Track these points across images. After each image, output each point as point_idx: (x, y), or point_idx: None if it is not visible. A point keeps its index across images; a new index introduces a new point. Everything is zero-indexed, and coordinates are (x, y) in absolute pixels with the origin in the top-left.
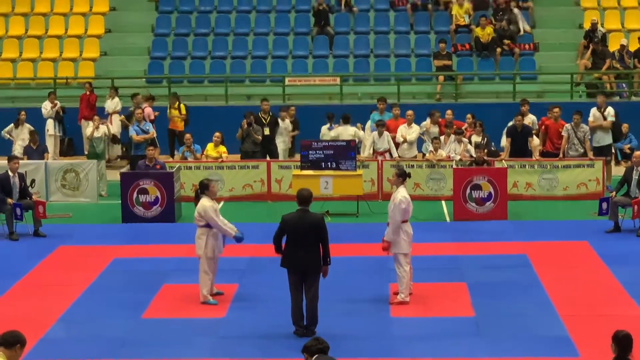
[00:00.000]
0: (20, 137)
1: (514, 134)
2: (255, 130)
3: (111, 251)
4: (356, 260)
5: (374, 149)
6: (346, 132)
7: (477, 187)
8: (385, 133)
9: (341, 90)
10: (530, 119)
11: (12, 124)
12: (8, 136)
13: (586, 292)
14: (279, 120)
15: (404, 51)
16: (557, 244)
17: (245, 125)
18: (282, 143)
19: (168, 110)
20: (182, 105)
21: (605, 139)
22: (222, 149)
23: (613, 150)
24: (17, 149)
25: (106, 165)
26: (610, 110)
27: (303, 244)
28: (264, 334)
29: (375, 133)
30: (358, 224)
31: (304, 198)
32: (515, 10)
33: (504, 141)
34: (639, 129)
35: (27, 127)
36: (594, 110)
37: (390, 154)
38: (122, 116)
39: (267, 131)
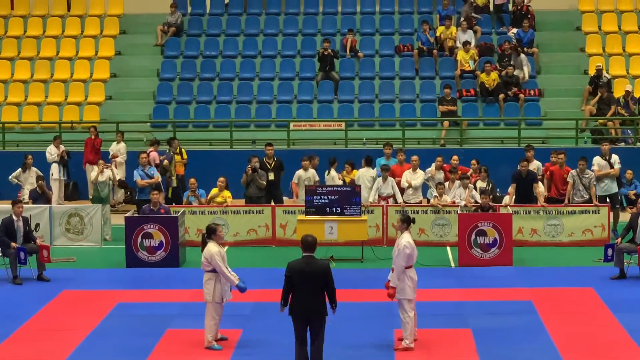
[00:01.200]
0: (29, 181)
1: (519, 179)
2: (260, 175)
3: (115, 296)
4: (361, 305)
5: (378, 194)
6: (368, 174)
7: (482, 233)
8: (390, 178)
9: (346, 135)
10: (535, 164)
11: (20, 169)
12: (16, 181)
13: (592, 339)
14: (302, 171)
15: (409, 96)
16: (562, 290)
17: (250, 171)
18: None
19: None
20: (183, 150)
21: (613, 186)
22: (227, 193)
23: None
24: (27, 194)
25: (110, 209)
26: (616, 158)
27: (309, 291)
28: None
29: (380, 178)
30: (363, 270)
31: (309, 244)
32: (522, 56)
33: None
34: None
35: (35, 171)
36: (597, 159)
37: (395, 199)
38: (166, 161)
39: (271, 176)
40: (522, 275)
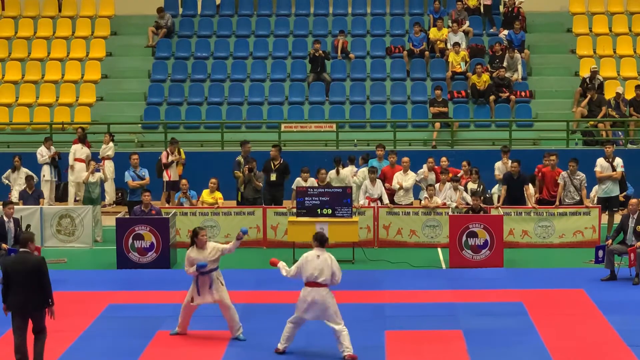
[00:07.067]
0: (18, 182)
1: (510, 181)
2: (257, 177)
3: (106, 297)
4: (351, 307)
5: (368, 196)
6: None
7: (473, 235)
8: (378, 180)
9: (337, 137)
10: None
11: (10, 170)
12: (7, 182)
13: (582, 340)
14: (302, 180)
15: (400, 98)
16: (553, 291)
17: (247, 171)
18: None
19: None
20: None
21: (614, 189)
22: (218, 194)
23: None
24: (15, 195)
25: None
26: (619, 161)
27: (25, 286)
28: None
29: (368, 181)
30: (353, 271)
31: (24, 241)
32: (518, 55)
33: (496, 189)
34: (634, 176)
35: (24, 171)
36: (601, 161)
37: (381, 201)
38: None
39: (274, 177)
40: (512, 276)
